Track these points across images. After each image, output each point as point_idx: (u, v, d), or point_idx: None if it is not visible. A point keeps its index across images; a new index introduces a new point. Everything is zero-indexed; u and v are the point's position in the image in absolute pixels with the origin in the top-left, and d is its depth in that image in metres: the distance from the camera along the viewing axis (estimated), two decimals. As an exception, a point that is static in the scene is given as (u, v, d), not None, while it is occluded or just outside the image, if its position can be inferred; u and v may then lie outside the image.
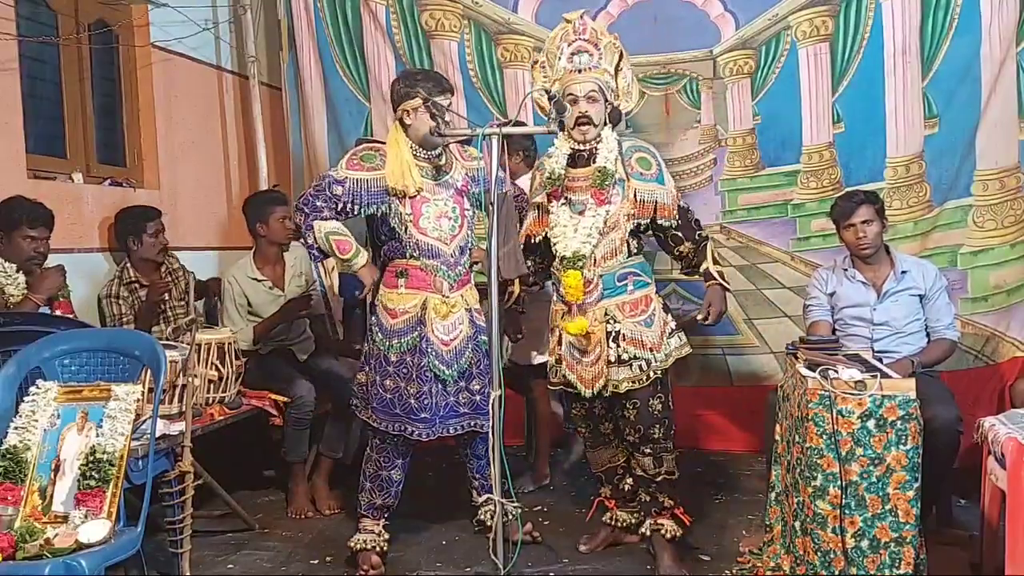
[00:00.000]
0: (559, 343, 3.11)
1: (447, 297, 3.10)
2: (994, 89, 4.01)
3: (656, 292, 3.16)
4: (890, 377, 2.54)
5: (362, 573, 3.10)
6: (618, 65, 3.07)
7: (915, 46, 4.12)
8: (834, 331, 3.34)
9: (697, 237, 3.15)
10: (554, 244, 3.06)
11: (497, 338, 2.81)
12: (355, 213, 3.09)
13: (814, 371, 2.56)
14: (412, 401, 3.06)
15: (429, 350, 3.05)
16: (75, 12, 4.06)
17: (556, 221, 3.07)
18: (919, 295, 3.34)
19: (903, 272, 3.36)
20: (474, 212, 3.19)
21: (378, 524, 3.19)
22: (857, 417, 2.47)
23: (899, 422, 2.45)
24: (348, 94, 4.81)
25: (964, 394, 3.73)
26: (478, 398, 3.13)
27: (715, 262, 3.14)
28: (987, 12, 3.97)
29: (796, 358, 2.85)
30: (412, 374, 3.06)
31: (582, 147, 3.05)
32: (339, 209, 3.06)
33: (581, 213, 3.02)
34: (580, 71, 3.02)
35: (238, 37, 4.98)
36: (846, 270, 3.44)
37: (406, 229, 3.06)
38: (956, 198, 4.13)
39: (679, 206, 3.13)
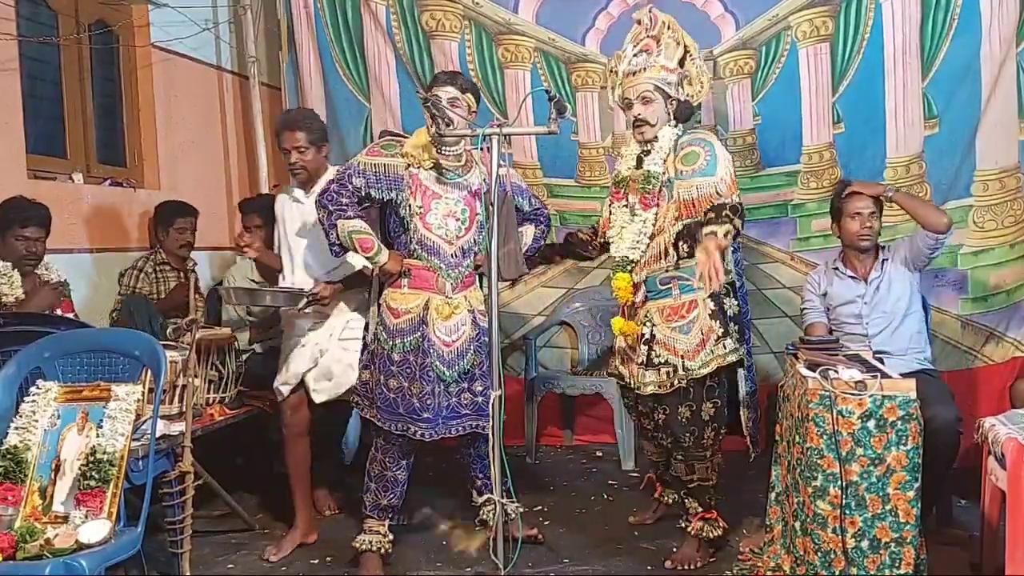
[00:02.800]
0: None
1: (450, 298, 3.10)
2: (994, 89, 4.02)
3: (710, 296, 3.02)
4: (890, 377, 2.55)
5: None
6: (683, 59, 3.07)
7: (915, 46, 4.12)
8: (831, 331, 3.35)
9: (720, 213, 2.86)
10: (611, 244, 3.16)
11: (496, 338, 2.81)
12: (375, 200, 3.10)
13: (814, 371, 2.56)
14: (415, 401, 3.05)
15: (431, 350, 3.04)
16: (75, 12, 4.07)
17: (614, 222, 3.15)
18: (900, 270, 3.36)
19: (883, 261, 3.40)
20: (486, 217, 3.15)
21: (383, 524, 3.18)
22: (857, 417, 2.47)
23: (899, 422, 2.45)
24: (348, 94, 4.81)
25: (964, 394, 3.74)
26: (480, 399, 3.11)
27: (720, 224, 2.82)
28: (987, 12, 3.97)
29: (796, 358, 2.85)
30: (416, 374, 3.05)
31: (647, 147, 3.10)
32: (360, 199, 3.08)
33: (635, 214, 3.09)
34: (635, 73, 3.08)
35: (238, 37, 4.98)
36: (836, 268, 3.46)
37: (412, 221, 3.07)
38: (956, 198, 4.13)
39: (723, 199, 2.90)
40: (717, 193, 2.93)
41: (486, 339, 3.13)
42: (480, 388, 3.13)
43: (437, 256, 3.09)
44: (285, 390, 3.39)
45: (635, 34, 3.15)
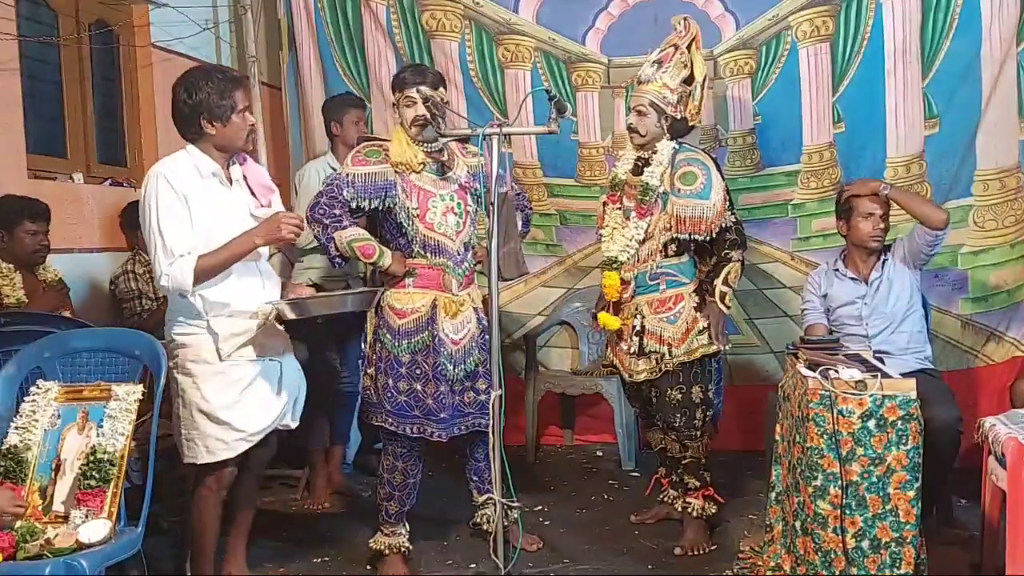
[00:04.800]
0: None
1: (456, 295, 3.07)
2: (994, 89, 4.01)
3: (695, 291, 3.27)
4: (890, 377, 2.54)
5: None
6: (689, 78, 3.22)
7: (915, 46, 4.11)
8: (831, 332, 3.35)
9: (723, 255, 3.22)
10: (602, 243, 3.35)
11: (497, 338, 2.82)
12: (365, 209, 3.03)
13: (814, 371, 2.56)
14: (430, 402, 3.01)
15: (441, 349, 3.01)
16: (75, 12, 4.07)
17: (607, 222, 3.33)
18: (900, 269, 3.38)
19: (883, 261, 3.40)
20: (476, 209, 3.15)
21: (403, 525, 3.19)
22: (858, 417, 2.47)
23: (899, 422, 2.45)
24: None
25: (964, 394, 3.74)
26: (483, 398, 3.07)
27: (725, 282, 3.20)
28: (987, 12, 3.97)
29: (796, 358, 2.85)
30: (428, 374, 3.01)
31: (644, 155, 3.29)
32: (352, 209, 3.02)
33: (628, 219, 3.27)
34: (641, 82, 3.27)
35: (238, 37, 4.97)
36: (836, 270, 3.47)
37: (412, 224, 3.01)
38: (956, 198, 4.12)
39: (723, 223, 3.18)
40: (705, 218, 3.16)
41: (486, 338, 3.11)
42: (483, 387, 3.10)
43: (443, 254, 3.04)
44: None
45: (668, 40, 3.28)
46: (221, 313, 2.65)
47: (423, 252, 3.04)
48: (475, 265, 3.21)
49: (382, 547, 3.13)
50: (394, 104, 3.12)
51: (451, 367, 3.02)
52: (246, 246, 2.66)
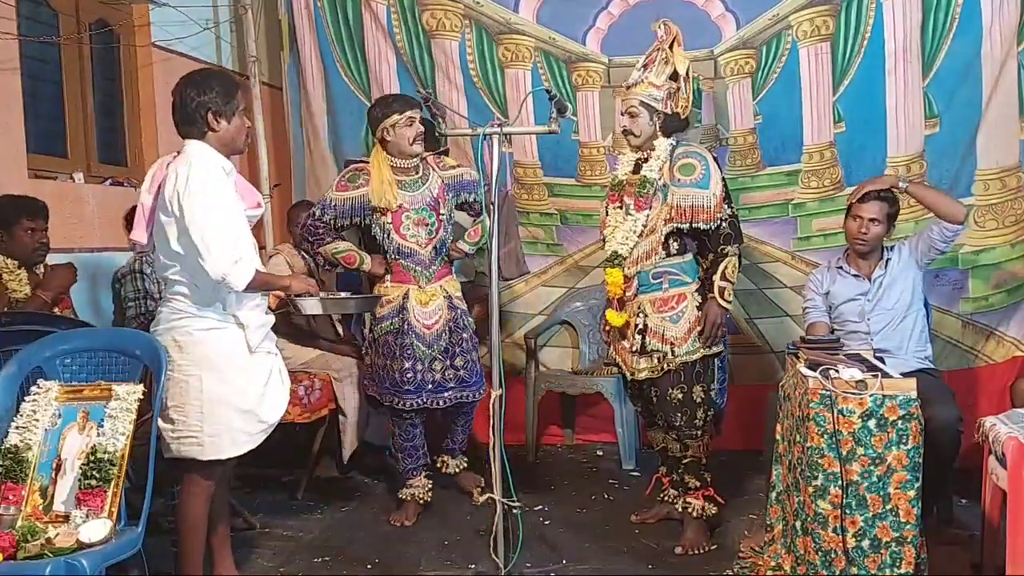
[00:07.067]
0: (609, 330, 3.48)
1: (424, 288, 3.57)
2: (995, 89, 4.02)
3: (697, 291, 3.26)
4: (891, 377, 2.55)
5: (395, 523, 3.60)
6: (675, 74, 3.25)
7: (916, 46, 4.12)
8: (832, 331, 3.36)
9: (719, 251, 3.22)
10: (604, 241, 3.38)
11: (497, 337, 2.83)
12: (347, 227, 3.61)
13: (815, 371, 2.56)
14: (397, 375, 3.52)
15: (410, 332, 3.52)
16: (76, 12, 4.07)
17: (609, 222, 3.38)
18: (905, 268, 3.39)
19: (887, 260, 3.41)
20: (451, 214, 3.65)
21: (420, 478, 3.68)
22: (858, 417, 2.47)
23: (900, 421, 2.45)
24: (349, 93, 4.81)
25: (964, 394, 3.74)
26: (462, 372, 3.61)
27: (724, 278, 3.20)
28: (988, 12, 3.97)
29: (797, 358, 2.85)
30: (396, 352, 3.52)
31: (641, 155, 3.33)
32: (334, 228, 3.58)
33: (629, 214, 3.30)
34: (630, 87, 3.30)
35: (239, 37, 4.98)
36: (840, 267, 3.48)
37: (388, 236, 3.53)
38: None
39: (721, 214, 3.19)
40: (706, 207, 3.18)
41: (463, 321, 3.64)
42: (461, 363, 3.61)
43: (412, 259, 3.56)
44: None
45: (652, 47, 3.32)
46: (248, 305, 2.66)
47: (397, 257, 3.56)
48: (452, 262, 3.74)
49: (403, 496, 3.66)
50: (385, 129, 3.49)
51: (424, 347, 3.53)
52: (283, 285, 2.84)
